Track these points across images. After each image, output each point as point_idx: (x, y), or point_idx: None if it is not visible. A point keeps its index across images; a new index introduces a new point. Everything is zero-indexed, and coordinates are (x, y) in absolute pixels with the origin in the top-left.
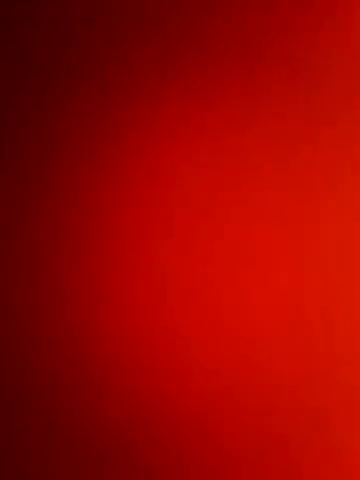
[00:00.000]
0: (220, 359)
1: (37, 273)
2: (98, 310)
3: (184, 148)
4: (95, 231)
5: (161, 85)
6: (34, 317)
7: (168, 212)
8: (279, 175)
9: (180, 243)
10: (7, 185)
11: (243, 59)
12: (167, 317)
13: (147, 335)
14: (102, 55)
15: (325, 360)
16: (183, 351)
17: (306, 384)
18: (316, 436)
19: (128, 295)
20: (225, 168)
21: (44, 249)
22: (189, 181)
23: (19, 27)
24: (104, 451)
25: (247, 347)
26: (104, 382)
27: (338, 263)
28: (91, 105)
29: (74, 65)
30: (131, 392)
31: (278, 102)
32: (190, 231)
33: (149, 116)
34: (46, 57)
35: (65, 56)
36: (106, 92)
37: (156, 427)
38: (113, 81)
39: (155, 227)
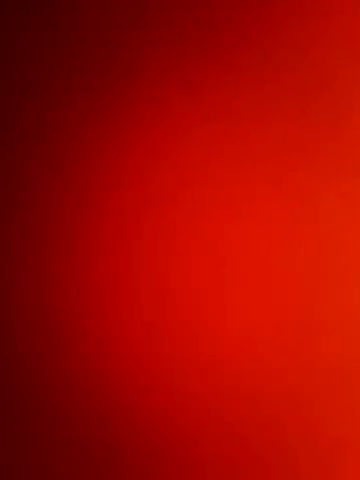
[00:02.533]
0: (219, 361)
1: (37, 273)
2: (98, 311)
3: (183, 148)
4: (94, 230)
5: (161, 84)
6: (35, 319)
7: (166, 212)
8: (277, 174)
9: (179, 243)
10: (5, 184)
11: (244, 61)
12: (166, 316)
13: (146, 333)
14: (101, 55)
15: (326, 359)
16: (182, 349)
17: (308, 384)
18: (318, 437)
19: (126, 293)
20: (224, 167)
21: (44, 249)
22: (188, 180)
23: (20, 26)
24: (103, 454)
25: (247, 348)
26: (105, 383)
27: (337, 261)
28: (89, 105)
29: (73, 63)
30: (131, 394)
31: (278, 102)
32: (189, 230)
33: (149, 114)
34: (46, 55)
35: (65, 54)
36: (105, 91)
37: (157, 430)
38: (113, 79)
39: (153, 227)
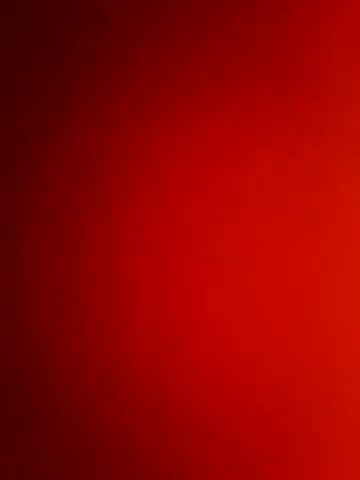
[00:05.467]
0: (220, 358)
1: (38, 275)
2: (99, 308)
3: (186, 159)
4: (97, 234)
5: (162, 97)
6: (37, 317)
7: (170, 216)
8: (278, 179)
9: (182, 246)
10: (9, 193)
11: (246, 74)
12: (169, 317)
13: (149, 332)
14: (104, 65)
15: (326, 360)
16: (183, 349)
17: (309, 383)
18: (315, 433)
19: (130, 295)
20: (225, 172)
21: (45, 255)
22: (190, 187)
23: (20, 36)
24: (105, 447)
25: (248, 346)
26: (105, 379)
27: (338, 263)
28: (91, 118)
29: (75, 74)
30: (132, 391)
31: (277, 109)
32: (191, 234)
33: (150, 126)
34: (47, 64)
35: (66, 64)
36: (107, 105)
37: (158, 427)
38: (115, 93)
39: (157, 230)
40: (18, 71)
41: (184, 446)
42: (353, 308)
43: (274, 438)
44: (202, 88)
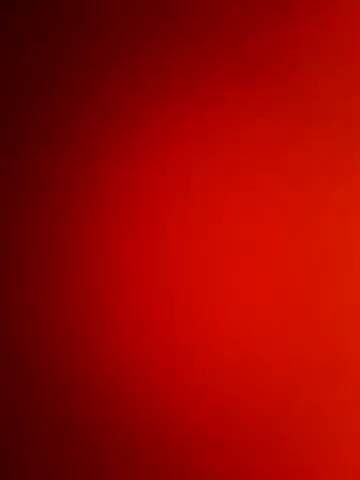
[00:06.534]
0: (219, 359)
1: (38, 276)
2: (99, 308)
3: (184, 150)
4: (95, 231)
5: (162, 88)
6: (35, 318)
7: (168, 212)
8: (278, 175)
9: (180, 244)
10: (8, 186)
11: (243, 65)
12: (167, 315)
13: (148, 333)
14: (103, 57)
15: (325, 359)
16: (182, 350)
17: (306, 382)
18: (315, 433)
19: (128, 294)
20: (224, 168)
21: (46, 253)
22: (189, 182)
23: (20, 28)
24: (105, 452)
25: (247, 347)
26: (105, 384)
27: (340, 263)
28: (91, 109)
29: (75, 67)
30: (133, 394)
31: (277, 104)
32: (190, 231)
33: (149, 119)
34: (47, 57)
35: (66, 56)
36: (107, 94)
37: (158, 429)
38: (114, 83)
39: (155, 226)
40: (17, 66)
41: (184, 458)
42: (354, 309)
43: (275, 449)
44: (202, 81)
